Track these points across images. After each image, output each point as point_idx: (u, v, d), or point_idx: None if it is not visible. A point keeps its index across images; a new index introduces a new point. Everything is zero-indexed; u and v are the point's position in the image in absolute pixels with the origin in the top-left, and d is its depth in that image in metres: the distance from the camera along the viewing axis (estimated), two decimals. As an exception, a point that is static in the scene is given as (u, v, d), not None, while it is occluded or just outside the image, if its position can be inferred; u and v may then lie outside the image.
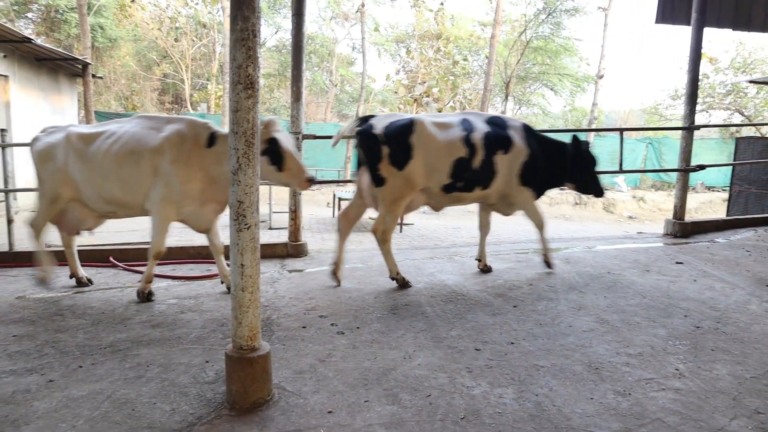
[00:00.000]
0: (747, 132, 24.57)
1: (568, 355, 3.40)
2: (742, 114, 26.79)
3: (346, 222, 5.08)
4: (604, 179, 6.66)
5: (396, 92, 28.38)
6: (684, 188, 7.59)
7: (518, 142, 5.04)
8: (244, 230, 2.67)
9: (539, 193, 5.30)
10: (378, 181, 4.73)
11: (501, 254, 6.20)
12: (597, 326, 3.90)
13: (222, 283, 4.95)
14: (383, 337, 3.67)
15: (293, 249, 6.29)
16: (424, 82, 26.61)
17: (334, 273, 5.03)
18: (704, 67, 26.22)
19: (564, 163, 5.28)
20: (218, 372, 3.10)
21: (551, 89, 31.70)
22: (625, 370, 3.20)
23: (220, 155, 4.35)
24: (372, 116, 4.94)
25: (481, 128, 4.94)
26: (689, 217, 8.25)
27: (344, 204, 10.93)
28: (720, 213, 13.74)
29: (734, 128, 24.85)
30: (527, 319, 4.03)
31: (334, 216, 11.49)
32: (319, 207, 16.62)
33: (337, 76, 32.64)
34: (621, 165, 7.68)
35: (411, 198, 4.86)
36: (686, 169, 7.48)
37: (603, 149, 21.42)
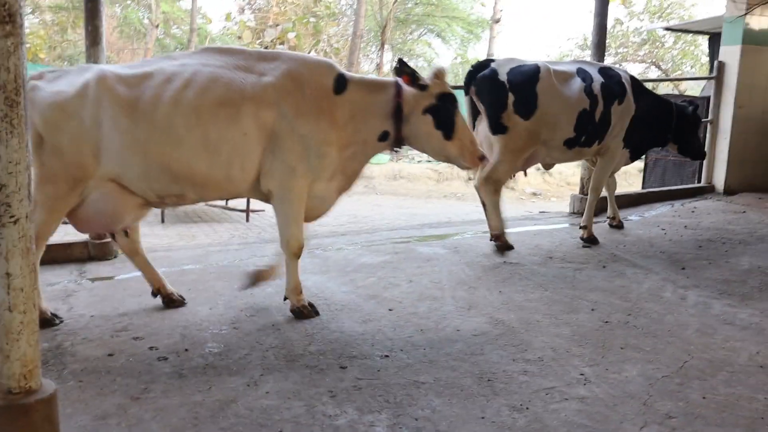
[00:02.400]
0: (664, 89, 26.91)
1: (455, 366, 3.54)
2: (659, 68, 29.31)
3: None
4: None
5: (240, 37, 27.78)
6: (592, 157, 8.15)
7: (629, 94, 5.78)
8: (9, 225, 2.45)
9: (638, 153, 6.31)
10: (499, 129, 5.43)
11: (375, 244, 6.32)
12: (490, 329, 4.09)
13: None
14: (220, 360, 3.60)
15: (97, 249, 5.94)
16: (278, 25, 26.33)
17: (499, 240, 5.90)
18: (617, 11, 28.32)
19: (670, 122, 6.06)
20: (-18, 426, 2.87)
21: (438, 35, 32.63)
22: (522, 379, 3.38)
23: (354, 106, 3.99)
24: (491, 60, 5.62)
25: (598, 78, 5.64)
26: (599, 191, 8.88)
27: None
28: (635, 185, 14.96)
29: (651, 85, 27.11)
30: (406, 325, 4.14)
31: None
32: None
33: (159, 14, 31.27)
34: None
35: (532, 151, 5.56)
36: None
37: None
